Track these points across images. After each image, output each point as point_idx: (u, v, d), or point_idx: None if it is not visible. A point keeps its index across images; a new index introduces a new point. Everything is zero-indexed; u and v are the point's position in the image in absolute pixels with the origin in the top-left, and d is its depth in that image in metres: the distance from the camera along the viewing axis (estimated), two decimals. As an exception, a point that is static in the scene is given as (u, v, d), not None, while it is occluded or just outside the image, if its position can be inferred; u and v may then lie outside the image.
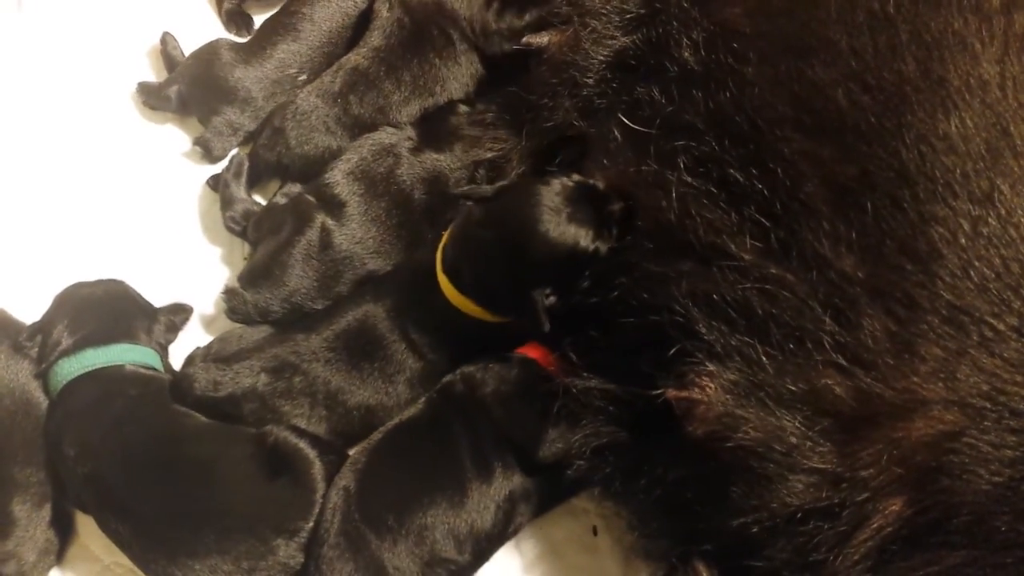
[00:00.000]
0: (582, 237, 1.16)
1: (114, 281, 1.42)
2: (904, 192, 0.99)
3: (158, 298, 1.45)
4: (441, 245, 1.29)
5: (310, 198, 1.41)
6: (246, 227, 1.44)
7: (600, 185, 1.19)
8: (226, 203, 1.47)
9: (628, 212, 1.17)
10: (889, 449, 0.95)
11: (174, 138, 1.59)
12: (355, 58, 1.49)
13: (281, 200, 1.45)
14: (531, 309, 1.18)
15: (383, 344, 1.31)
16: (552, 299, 1.21)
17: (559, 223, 1.16)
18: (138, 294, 1.43)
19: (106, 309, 1.37)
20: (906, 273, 0.96)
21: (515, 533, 1.27)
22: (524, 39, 1.43)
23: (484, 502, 1.21)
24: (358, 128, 1.48)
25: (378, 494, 1.21)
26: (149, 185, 1.56)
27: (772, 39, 1.11)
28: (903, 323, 0.96)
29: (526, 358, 1.29)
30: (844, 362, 0.97)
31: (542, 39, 1.41)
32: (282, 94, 1.54)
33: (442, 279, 1.27)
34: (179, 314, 1.44)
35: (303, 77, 1.54)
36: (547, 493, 1.28)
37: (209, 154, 1.54)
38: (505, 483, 1.23)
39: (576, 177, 1.20)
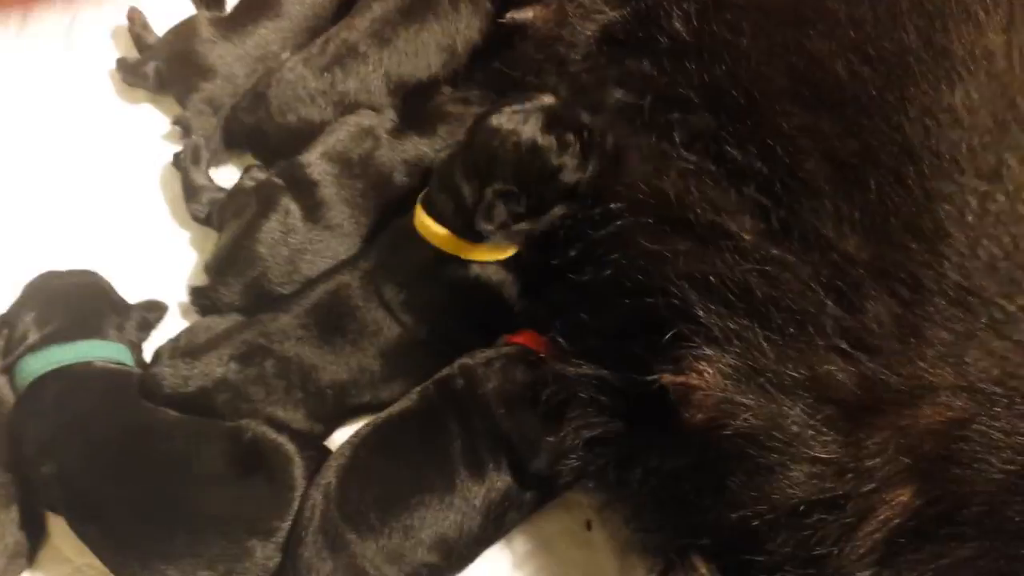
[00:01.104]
0: (539, 134, 1.15)
1: (86, 272, 1.37)
2: (908, 168, 0.95)
3: (135, 285, 1.40)
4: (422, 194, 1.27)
5: (277, 180, 1.37)
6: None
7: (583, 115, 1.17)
8: (188, 192, 1.42)
9: (598, 136, 1.16)
10: (896, 438, 0.91)
11: (152, 119, 1.54)
12: (346, 30, 1.44)
13: (248, 183, 1.39)
14: (486, 205, 1.16)
15: (356, 314, 1.26)
16: (519, 210, 1.18)
17: (516, 119, 1.16)
18: (111, 287, 1.37)
19: (76, 303, 1.32)
20: (911, 253, 0.93)
21: (505, 534, 1.23)
22: (508, 14, 1.38)
23: (474, 503, 1.16)
24: (343, 105, 1.43)
25: (361, 491, 1.16)
26: (126, 168, 1.51)
27: (767, 9, 1.07)
28: (908, 305, 0.92)
29: (529, 351, 1.24)
30: (848, 347, 0.94)
31: (526, 14, 1.36)
32: (263, 70, 1.48)
33: (418, 213, 1.24)
34: (153, 311, 1.39)
35: (286, 54, 1.49)
36: (540, 494, 1.23)
37: (188, 134, 1.48)
38: (498, 484, 1.18)
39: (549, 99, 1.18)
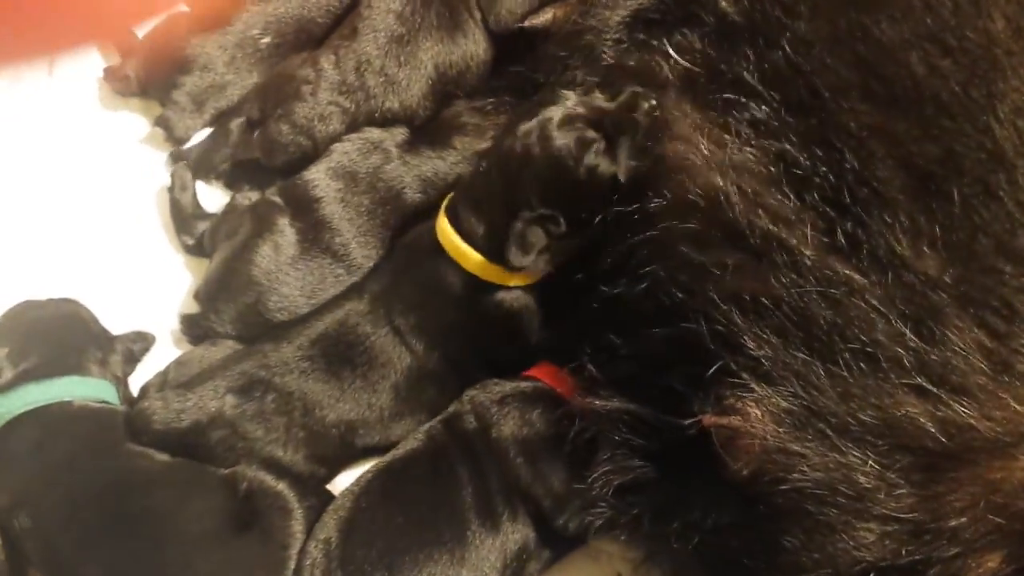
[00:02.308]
0: (554, 141, 1.03)
1: (67, 302, 1.26)
2: (999, 176, 0.84)
3: (122, 313, 1.29)
4: (448, 198, 1.16)
5: (275, 199, 1.26)
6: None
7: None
8: (178, 224, 1.33)
9: (631, 106, 1.04)
10: (985, 493, 0.80)
11: (141, 134, 1.43)
12: (366, 46, 1.31)
13: (243, 202, 1.30)
14: (518, 235, 1.05)
15: (365, 344, 1.15)
16: (560, 231, 1.06)
17: (544, 132, 1.04)
18: (93, 318, 1.27)
19: (55, 337, 1.22)
20: (1004, 276, 0.82)
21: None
22: (527, 21, 1.28)
23: (489, 558, 1.04)
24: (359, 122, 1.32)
25: (365, 547, 1.04)
26: (112, 187, 1.39)
27: (825, -12, 0.94)
28: (1001, 338, 0.81)
29: (548, 390, 1.13)
30: (928, 385, 0.82)
31: (546, 17, 1.26)
32: (244, 59, 1.38)
33: (445, 230, 1.12)
34: (139, 343, 1.28)
35: (266, 40, 1.38)
36: (563, 545, 1.12)
37: (171, 134, 1.38)
38: (514, 536, 1.06)
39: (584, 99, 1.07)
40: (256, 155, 1.31)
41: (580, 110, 1.05)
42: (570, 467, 1.04)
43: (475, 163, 1.16)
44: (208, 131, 1.37)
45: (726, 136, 0.94)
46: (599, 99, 1.05)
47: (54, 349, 1.19)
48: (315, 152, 1.28)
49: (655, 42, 1.02)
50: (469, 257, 1.10)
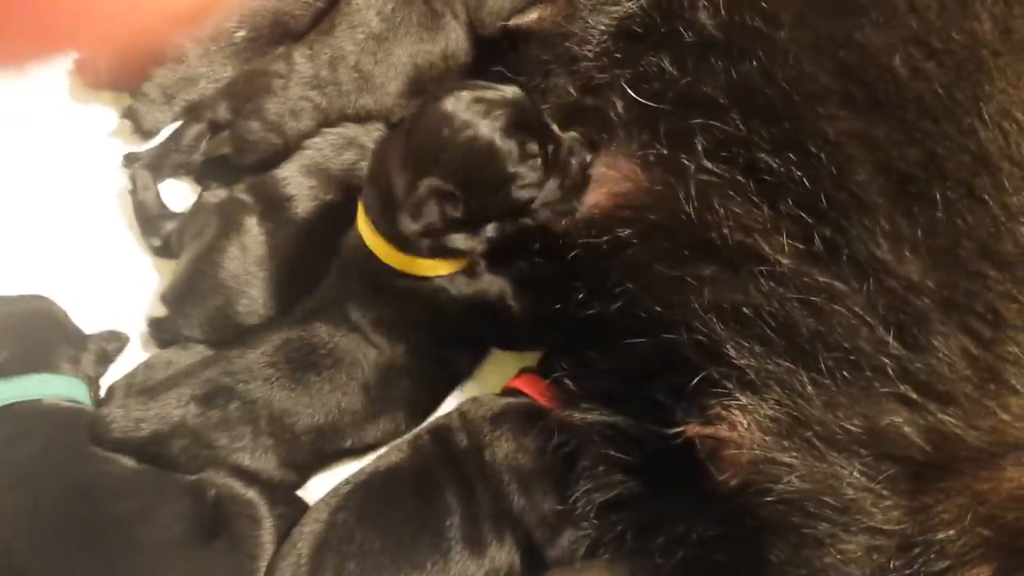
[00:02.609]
0: (485, 122, 0.96)
1: (37, 298, 1.23)
2: (983, 179, 0.82)
3: (92, 313, 1.25)
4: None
5: (244, 197, 1.22)
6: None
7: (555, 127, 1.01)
8: (143, 226, 1.28)
9: (578, 152, 1.00)
10: (973, 505, 0.78)
11: (104, 119, 1.38)
12: (341, 41, 1.28)
13: (211, 200, 1.25)
14: (414, 200, 0.97)
15: (329, 346, 1.11)
16: (458, 238, 1.01)
17: (476, 109, 0.97)
18: (65, 315, 1.23)
19: (25, 332, 1.18)
20: (988, 281, 0.80)
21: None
22: (513, 20, 1.25)
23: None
24: (331, 119, 1.28)
25: (337, 568, 1.00)
26: (82, 183, 1.35)
27: (810, -5, 0.92)
28: (986, 344, 0.79)
29: (538, 408, 1.08)
30: (913, 394, 0.80)
31: (532, 16, 1.22)
32: (217, 52, 1.33)
33: (359, 215, 1.07)
34: (113, 343, 1.24)
35: (241, 33, 1.34)
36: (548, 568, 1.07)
37: (140, 127, 1.33)
38: (498, 561, 1.01)
39: (522, 94, 1.01)
40: (225, 152, 1.28)
41: (531, 117, 1.00)
42: (562, 494, 1.01)
43: (383, 138, 1.09)
44: (177, 125, 1.33)
45: (687, 161, 0.91)
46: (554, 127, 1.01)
47: (25, 345, 1.15)
48: (286, 150, 1.25)
49: (628, 67, 1.00)
50: (374, 241, 1.05)
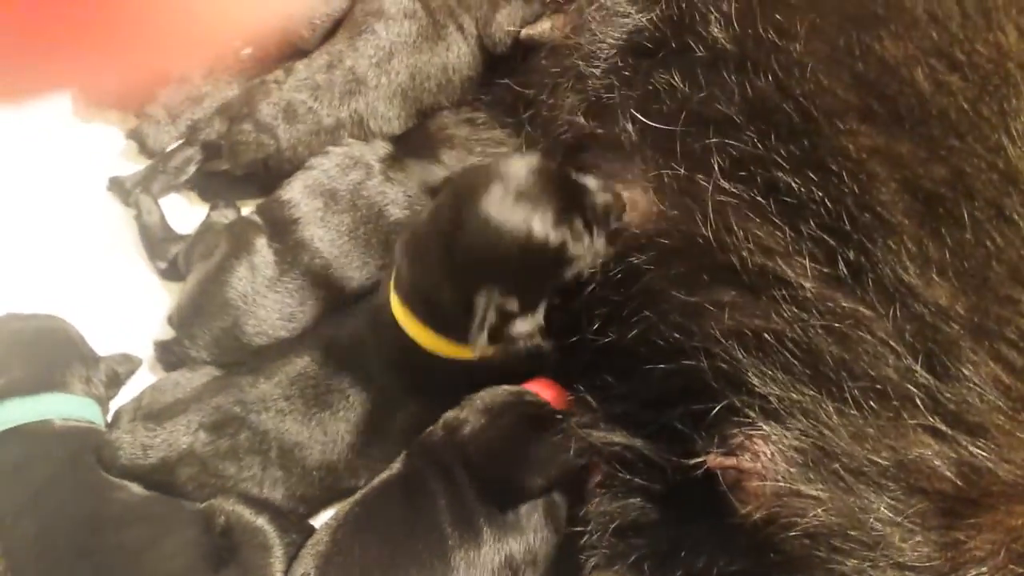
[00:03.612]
0: (535, 221, 0.91)
1: (52, 317, 1.22)
2: (1012, 199, 0.78)
3: (99, 335, 1.23)
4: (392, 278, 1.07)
5: (254, 218, 1.20)
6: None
7: (576, 176, 0.97)
8: (150, 249, 1.27)
9: (612, 205, 0.96)
10: (1006, 541, 0.74)
11: (111, 138, 1.37)
12: (340, 46, 1.27)
13: (220, 220, 1.23)
14: (477, 321, 0.93)
15: (348, 393, 1.09)
16: (520, 324, 0.96)
17: (502, 200, 0.91)
18: (79, 335, 1.22)
19: (38, 351, 1.17)
20: (1020, 306, 0.77)
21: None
22: (523, 32, 1.23)
23: (475, 572, 0.99)
24: (336, 136, 1.26)
25: None
26: (86, 195, 1.34)
27: (826, 7, 0.88)
28: (1018, 373, 0.76)
29: (520, 390, 1.06)
30: (942, 425, 0.77)
31: (544, 27, 1.20)
32: (222, 71, 1.33)
33: (392, 298, 1.04)
34: (124, 365, 1.23)
35: (248, 51, 1.32)
36: (559, 552, 1.04)
37: (145, 147, 1.33)
38: (499, 545, 1.00)
39: (540, 159, 0.96)
40: (223, 166, 1.27)
41: (567, 185, 0.95)
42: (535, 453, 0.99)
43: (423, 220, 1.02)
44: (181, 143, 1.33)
45: (703, 182, 0.88)
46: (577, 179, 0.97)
47: (37, 363, 1.15)
48: (279, 154, 1.23)
49: (638, 86, 0.97)
50: (419, 333, 1.02)
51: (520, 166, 0.94)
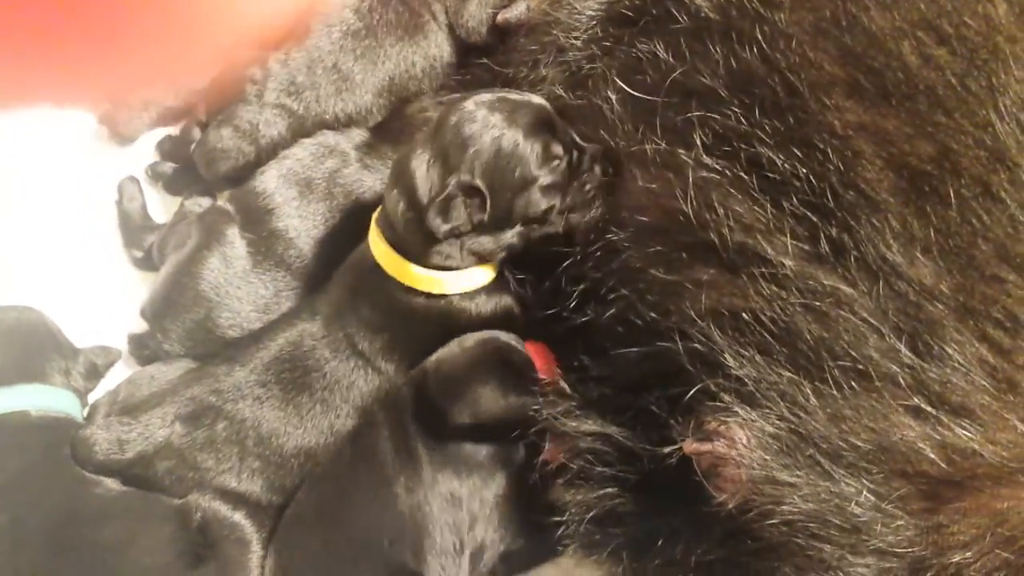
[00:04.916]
0: (513, 126, 0.97)
1: (29, 309, 1.20)
2: (1000, 176, 0.76)
3: (77, 327, 1.21)
4: (378, 209, 1.07)
5: (226, 207, 1.18)
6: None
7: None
8: (127, 237, 1.26)
9: (598, 156, 0.99)
10: (991, 525, 0.72)
11: (100, 142, 1.35)
12: (318, 41, 1.23)
13: (195, 209, 1.21)
14: (444, 199, 0.96)
15: (325, 369, 1.07)
16: (484, 239, 1.00)
17: (494, 104, 0.98)
18: (56, 327, 1.20)
19: (14, 342, 1.16)
20: (1006, 286, 0.75)
21: (480, 552, 1.02)
22: (500, 17, 1.20)
23: (416, 500, 0.98)
24: (307, 126, 1.23)
25: (302, 532, 1.01)
26: (57, 185, 1.31)
27: (810, -26, 0.86)
28: (1004, 353, 0.74)
29: (504, 334, 1.04)
30: (926, 406, 0.75)
31: (519, 9, 1.17)
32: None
33: (372, 231, 1.05)
34: (103, 357, 1.21)
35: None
36: (505, 491, 1.03)
37: (117, 133, 1.31)
38: (440, 476, 0.99)
39: (544, 102, 1.01)
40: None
41: (556, 123, 0.99)
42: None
43: (404, 150, 1.05)
44: (156, 131, 1.31)
45: (685, 157, 0.86)
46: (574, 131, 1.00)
47: (14, 355, 1.14)
48: (257, 160, 1.21)
49: (619, 55, 0.94)
50: (394, 263, 1.03)
51: (522, 95, 1.00)
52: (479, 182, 0.96)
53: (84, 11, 0.37)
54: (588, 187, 0.99)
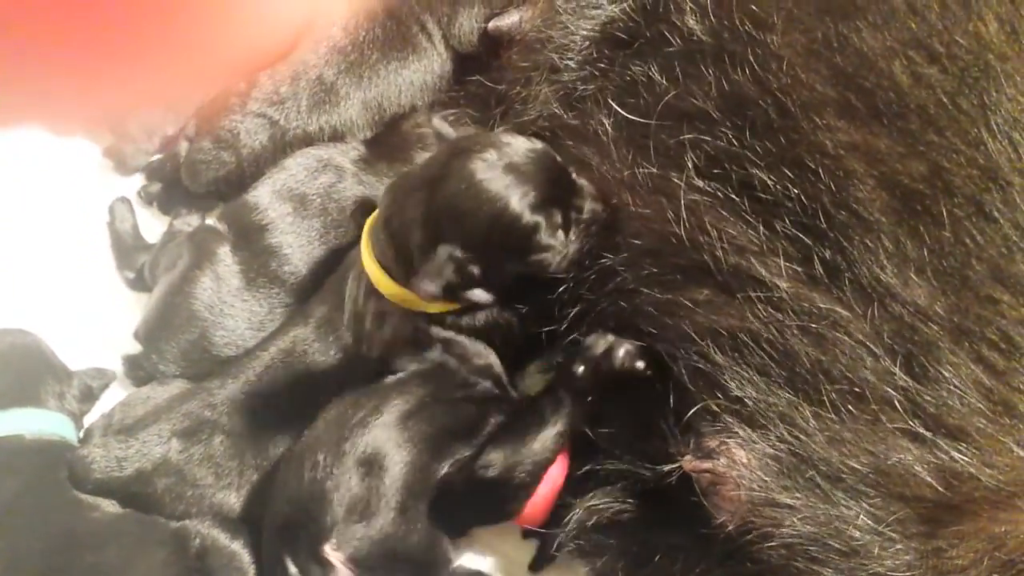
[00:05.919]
0: (515, 194, 0.90)
1: (23, 332, 1.19)
2: (992, 195, 0.76)
3: (72, 350, 1.20)
4: (372, 216, 1.04)
5: (216, 226, 1.17)
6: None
7: (576, 177, 0.95)
8: (119, 258, 1.24)
9: (598, 217, 0.94)
10: (989, 549, 0.73)
11: (95, 163, 1.33)
12: (304, 55, 1.21)
13: (184, 228, 1.20)
14: (435, 266, 0.92)
15: (317, 373, 1.07)
16: (477, 291, 0.96)
17: (492, 165, 0.91)
18: (51, 351, 1.19)
19: (10, 366, 1.15)
20: (1001, 307, 0.75)
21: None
22: (491, 24, 1.18)
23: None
24: (288, 137, 1.22)
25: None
26: (61, 211, 1.30)
27: (802, -3, 0.86)
28: (1000, 375, 0.74)
29: None
30: (922, 429, 0.75)
31: (512, 20, 1.16)
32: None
33: (364, 253, 1.02)
34: (98, 379, 1.20)
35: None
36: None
37: (123, 165, 1.30)
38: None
39: (545, 146, 0.95)
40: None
41: (560, 175, 0.94)
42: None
43: (410, 174, 1.02)
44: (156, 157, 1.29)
45: (676, 180, 0.86)
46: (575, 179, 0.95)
47: (9, 379, 1.13)
48: (239, 170, 1.19)
49: (613, 77, 0.94)
50: (385, 284, 1.00)
51: (522, 143, 0.93)
52: (470, 253, 0.92)
53: (94, 25, 0.37)
54: (586, 244, 0.95)
